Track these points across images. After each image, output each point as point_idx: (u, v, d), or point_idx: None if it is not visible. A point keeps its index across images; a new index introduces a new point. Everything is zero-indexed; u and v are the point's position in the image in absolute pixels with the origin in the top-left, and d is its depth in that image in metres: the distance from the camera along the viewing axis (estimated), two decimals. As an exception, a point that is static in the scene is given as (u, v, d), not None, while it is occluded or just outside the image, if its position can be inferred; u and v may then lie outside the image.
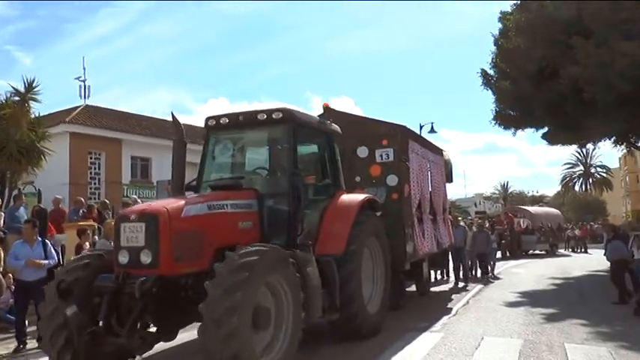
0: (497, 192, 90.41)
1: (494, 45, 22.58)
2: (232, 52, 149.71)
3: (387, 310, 9.47)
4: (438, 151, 14.55)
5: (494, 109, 23.43)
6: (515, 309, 12.20)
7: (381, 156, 10.99)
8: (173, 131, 7.82)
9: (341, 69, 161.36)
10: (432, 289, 15.19)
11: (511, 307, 12.53)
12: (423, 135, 21.30)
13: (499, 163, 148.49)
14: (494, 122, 23.80)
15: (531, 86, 19.86)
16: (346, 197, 8.81)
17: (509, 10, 21.97)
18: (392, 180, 10.90)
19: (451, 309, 12.10)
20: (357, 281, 8.18)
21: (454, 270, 16.93)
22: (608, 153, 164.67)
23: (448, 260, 16.60)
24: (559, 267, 23.97)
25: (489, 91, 23.15)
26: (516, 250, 30.88)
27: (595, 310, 11.91)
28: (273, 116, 7.88)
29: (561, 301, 13.17)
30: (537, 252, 33.13)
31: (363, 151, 11.10)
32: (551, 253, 33.54)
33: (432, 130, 31.42)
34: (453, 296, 14.28)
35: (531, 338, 8.99)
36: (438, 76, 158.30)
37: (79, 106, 29.34)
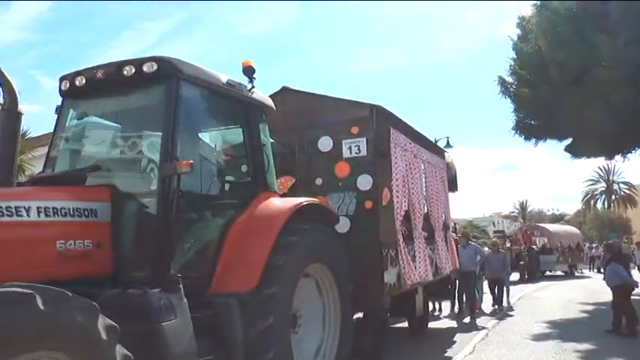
0: (515, 210, 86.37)
1: (513, 50, 20.29)
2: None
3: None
4: (438, 151, 11.18)
5: (513, 118, 21.05)
6: (543, 344, 9.89)
7: (350, 149, 7.68)
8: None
9: (356, 87, 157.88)
10: (433, 324, 11.77)
11: (539, 341, 10.22)
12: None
13: (518, 181, 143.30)
14: (514, 132, 21.36)
15: (553, 92, 17.75)
16: (272, 202, 5.49)
17: (530, 14, 19.60)
18: (365, 182, 7.59)
19: (464, 346, 9.54)
20: (279, 330, 4.87)
21: (459, 300, 13.49)
22: (630, 169, 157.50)
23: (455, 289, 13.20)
24: (587, 290, 20.70)
25: (508, 99, 20.75)
26: (536, 272, 27.12)
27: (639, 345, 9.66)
28: (145, 69, 4.69)
29: (597, 334, 10.70)
30: (556, 273, 29.54)
31: (325, 143, 7.82)
32: (570, 274, 30.05)
33: (448, 145, 27.94)
34: (460, 335, 10.89)
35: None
36: (453, 92, 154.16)
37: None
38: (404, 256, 8.14)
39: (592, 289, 20.91)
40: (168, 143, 4.54)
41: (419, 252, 8.92)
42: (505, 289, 15.19)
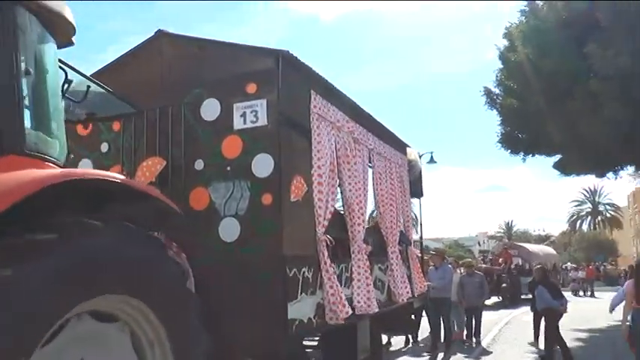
0: (501, 231, 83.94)
1: (500, 59, 18.91)
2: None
3: None
4: (396, 143, 8.45)
5: (499, 131, 19.70)
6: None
7: (244, 116, 4.96)
8: None
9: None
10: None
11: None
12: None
13: (503, 202, 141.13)
14: (499, 145, 20.01)
15: (542, 104, 16.40)
16: (12, 174, 2.72)
17: (516, 22, 18.22)
18: (263, 166, 4.83)
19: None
20: None
21: (432, 331, 10.80)
22: (616, 190, 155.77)
23: (419, 319, 10.54)
24: (578, 314, 18.03)
25: (494, 111, 19.53)
26: (518, 295, 23.96)
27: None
28: None
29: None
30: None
31: (210, 109, 5.08)
32: None
33: (432, 161, 25.33)
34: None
35: None
36: (438, 113, 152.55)
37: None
38: (330, 279, 5.43)
39: (584, 313, 19.13)
40: None
41: (358, 273, 6.21)
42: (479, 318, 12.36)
